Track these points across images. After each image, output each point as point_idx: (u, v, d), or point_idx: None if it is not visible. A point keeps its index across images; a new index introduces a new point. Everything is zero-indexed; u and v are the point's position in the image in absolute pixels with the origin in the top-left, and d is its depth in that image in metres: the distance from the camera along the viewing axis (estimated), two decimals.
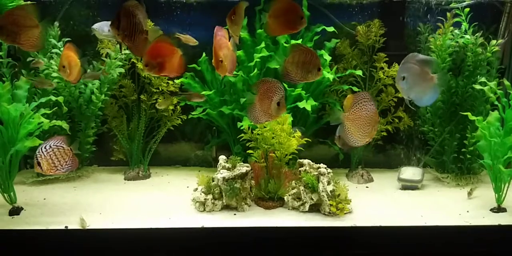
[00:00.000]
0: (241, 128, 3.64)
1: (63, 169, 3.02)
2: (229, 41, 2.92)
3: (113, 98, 4.10)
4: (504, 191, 3.22)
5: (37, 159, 2.93)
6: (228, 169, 3.30)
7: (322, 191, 3.14)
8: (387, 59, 3.99)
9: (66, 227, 2.93)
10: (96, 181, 4.01)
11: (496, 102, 3.33)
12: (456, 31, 3.81)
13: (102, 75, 3.85)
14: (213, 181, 3.29)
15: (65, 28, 4.07)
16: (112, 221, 3.05)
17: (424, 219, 3.09)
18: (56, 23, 3.94)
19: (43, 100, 3.52)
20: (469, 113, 3.39)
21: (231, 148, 4.14)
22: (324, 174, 3.20)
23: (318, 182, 3.18)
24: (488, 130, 3.22)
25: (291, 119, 3.52)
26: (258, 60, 3.83)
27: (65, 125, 3.50)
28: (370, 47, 4.02)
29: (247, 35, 3.98)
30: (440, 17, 3.83)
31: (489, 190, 3.33)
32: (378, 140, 4.13)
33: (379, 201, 3.51)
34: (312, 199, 3.19)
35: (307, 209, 3.21)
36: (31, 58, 3.77)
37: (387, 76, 3.98)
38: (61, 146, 3.01)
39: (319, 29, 3.97)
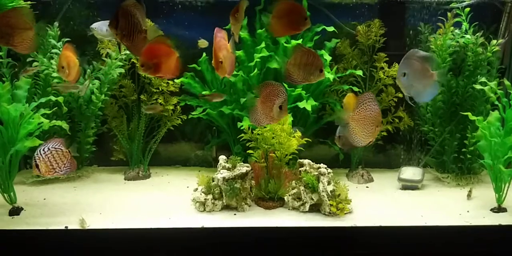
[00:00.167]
0: (241, 128, 3.64)
1: (61, 171, 3.00)
2: (228, 42, 2.93)
3: (113, 98, 4.10)
4: (505, 191, 3.22)
5: (35, 161, 2.91)
6: (228, 169, 3.29)
7: (322, 191, 3.14)
8: (387, 59, 4.00)
9: (66, 227, 2.93)
10: (96, 181, 4.01)
11: (496, 102, 3.33)
12: (457, 31, 3.81)
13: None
14: (213, 181, 3.29)
15: (65, 28, 4.06)
16: (112, 221, 3.05)
17: (424, 219, 3.09)
18: (56, 23, 3.94)
19: (43, 100, 3.51)
20: (469, 113, 3.39)
21: (231, 148, 4.14)
22: (324, 174, 3.20)
23: (318, 182, 3.18)
24: (489, 130, 3.22)
25: (291, 119, 3.52)
26: (258, 60, 3.83)
27: (65, 125, 3.50)
28: (370, 47, 4.02)
29: (247, 35, 3.98)
30: (440, 17, 3.83)
31: (490, 190, 3.32)
32: (379, 140, 4.12)
33: (379, 201, 3.51)
34: (312, 199, 3.18)
35: (307, 209, 3.20)
36: (31, 59, 3.77)
37: (387, 76, 3.98)
38: (60, 148, 2.99)
39: (319, 29, 3.97)
